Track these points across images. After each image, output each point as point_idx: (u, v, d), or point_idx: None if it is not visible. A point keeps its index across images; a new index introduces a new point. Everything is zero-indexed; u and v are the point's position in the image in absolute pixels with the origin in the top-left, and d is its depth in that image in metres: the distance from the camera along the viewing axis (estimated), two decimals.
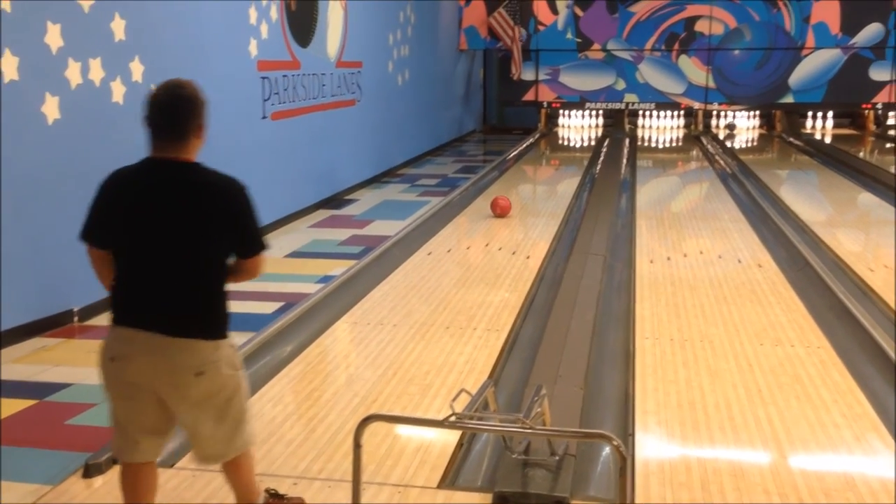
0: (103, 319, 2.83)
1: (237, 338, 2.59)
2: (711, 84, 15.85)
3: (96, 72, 5.21)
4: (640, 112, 16.45)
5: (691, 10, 15.67)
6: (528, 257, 6.52)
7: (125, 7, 5.42)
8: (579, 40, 15.97)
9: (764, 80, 15.67)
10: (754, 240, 7.10)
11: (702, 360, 4.33)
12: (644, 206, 8.78)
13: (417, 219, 7.81)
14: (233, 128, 6.77)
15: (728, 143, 14.39)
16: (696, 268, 6.21)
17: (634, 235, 7.29)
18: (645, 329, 4.82)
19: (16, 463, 3.33)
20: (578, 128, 16.63)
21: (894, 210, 8.33)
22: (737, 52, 15.68)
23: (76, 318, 5.08)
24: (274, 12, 7.55)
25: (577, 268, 6.11)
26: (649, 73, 15.95)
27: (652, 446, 3.45)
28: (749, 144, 14.89)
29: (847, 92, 15.43)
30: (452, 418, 2.39)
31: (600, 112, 16.53)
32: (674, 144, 15.17)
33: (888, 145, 14.33)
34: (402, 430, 3.51)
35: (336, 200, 9.15)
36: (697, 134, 15.52)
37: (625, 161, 12.20)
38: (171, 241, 2.40)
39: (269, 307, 5.31)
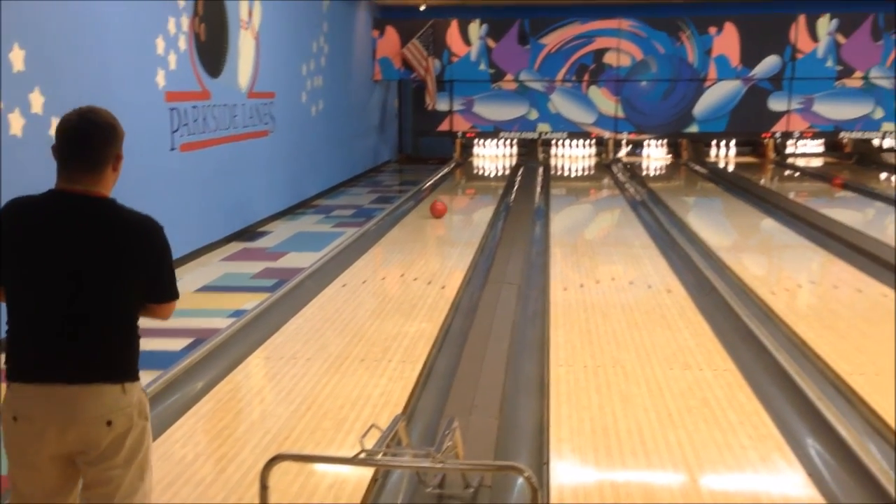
0: None
1: (144, 377, 2.49)
2: (621, 114, 16.32)
3: None
4: (553, 141, 16.85)
5: (600, 42, 16.13)
6: (443, 287, 6.53)
7: (25, 37, 5.25)
8: (492, 71, 16.25)
9: (670, 110, 16.22)
10: (664, 265, 7.28)
11: (614, 386, 4.40)
12: (558, 234, 8.92)
13: (332, 250, 7.75)
14: (140, 160, 6.59)
15: (635, 160, 14.78)
16: (609, 294, 6.33)
17: (549, 263, 7.39)
18: (559, 356, 4.87)
19: None
20: (493, 157, 16.91)
21: (793, 235, 8.69)
22: (644, 83, 16.20)
23: None
24: (182, 42, 7.43)
25: (492, 297, 6.16)
26: (561, 104, 16.32)
27: (567, 473, 3.48)
28: (657, 172, 15.35)
29: (748, 121, 16.10)
30: (363, 455, 2.36)
31: (514, 141, 16.89)
32: (586, 173, 15.54)
33: (787, 172, 15.00)
34: (316, 466, 3.44)
35: (249, 233, 9.01)
36: (608, 162, 15.93)
37: (539, 189, 12.43)
38: (77, 283, 2.20)
39: (178, 343, 5.16)
